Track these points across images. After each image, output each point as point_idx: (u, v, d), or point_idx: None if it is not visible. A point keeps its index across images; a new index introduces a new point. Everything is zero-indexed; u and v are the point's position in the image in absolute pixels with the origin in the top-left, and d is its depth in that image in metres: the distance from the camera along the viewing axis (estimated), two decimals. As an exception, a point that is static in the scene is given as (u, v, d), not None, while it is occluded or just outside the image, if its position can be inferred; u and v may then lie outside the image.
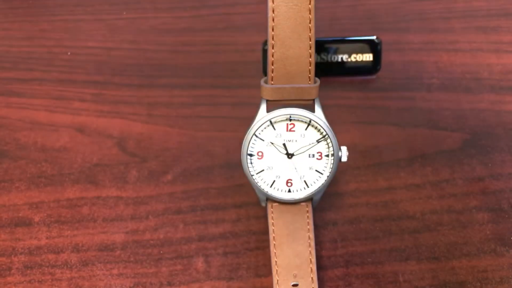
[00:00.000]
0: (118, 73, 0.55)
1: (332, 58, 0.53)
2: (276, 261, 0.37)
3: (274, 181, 0.39)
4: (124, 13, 0.62)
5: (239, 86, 0.53)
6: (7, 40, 0.59)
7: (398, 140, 0.48)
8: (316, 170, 0.38)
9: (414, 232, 0.41)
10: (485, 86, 0.52)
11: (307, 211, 0.39)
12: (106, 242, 0.41)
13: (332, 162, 0.38)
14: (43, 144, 0.48)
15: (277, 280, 0.37)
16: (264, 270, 0.39)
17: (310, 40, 0.36)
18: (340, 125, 0.49)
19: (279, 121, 0.37)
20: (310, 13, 0.36)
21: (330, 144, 0.38)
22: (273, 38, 0.36)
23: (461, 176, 0.45)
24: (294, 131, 0.38)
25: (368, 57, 0.53)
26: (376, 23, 0.60)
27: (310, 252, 0.38)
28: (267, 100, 0.37)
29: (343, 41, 0.52)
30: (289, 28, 0.36)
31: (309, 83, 0.37)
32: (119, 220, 0.42)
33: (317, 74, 0.52)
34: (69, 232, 0.42)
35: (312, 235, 0.38)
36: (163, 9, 0.63)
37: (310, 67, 0.36)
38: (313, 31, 0.36)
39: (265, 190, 0.39)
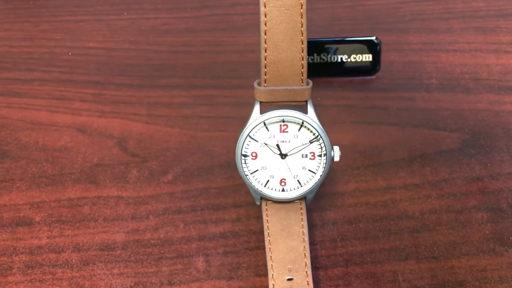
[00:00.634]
0: (118, 73, 0.55)
1: (332, 59, 0.53)
2: (271, 256, 0.38)
3: (268, 180, 0.39)
4: (125, 13, 0.62)
5: (239, 86, 0.53)
6: (8, 41, 0.59)
7: (397, 140, 0.48)
8: (309, 170, 0.39)
9: (413, 231, 0.42)
10: (484, 86, 0.53)
11: (301, 208, 0.40)
12: (106, 241, 0.41)
13: (324, 162, 0.39)
14: (44, 144, 0.48)
15: (272, 275, 0.37)
16: (264, 269, 0.39)
17: (302, 43, 0.37)
18: (339, 125, 0.49)
19: (272, 122, 0.38)
20: (302, 17, 0.36)
21: (322, 144, 0.38)
22: (265, 42, 0.37)
23: (460, 176, 0.45)
24: (287, 132, 0.38)
25: (368, 57, 0.53)
26: (376, 23, 0.60)
27: (304, 247, 0.38)
28: (260, 102, 0.38)
29: (342, 41, 0.53)
30: (281, 32, 0.36)
31: (301, 85, 0.37)
32: (119, 220, 0.43)
33: (317, 74, 0.53)
34: (70, 231, 0.42)
35: (306, 230, 0.39)
36: (163, 9, 0.63)
37: (302, 70, 0.37)
38: (305, 34, 0.36)
39: (259, 189, 0.39)
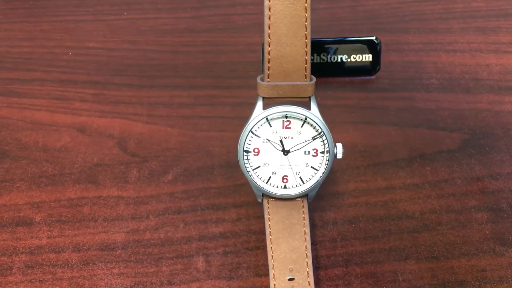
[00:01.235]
0: (118, 73, 0.55)
1: (332, 59, 0.53)
2: (272, 256, 0.38)
3: (270, 177, 0.39)
4: (125, 13, 0.63)
5: (239, 86, 0.53)
6: (8, 41, 0.59)
7: (397, 140, 0.48)
8: (311, 167, 0.39)
9: (413, 231, 0.42)
10: (484, 86, 0.53)
11: (303, 206, 0.40)
12: (106, 241, 0.41)
13: (327, 159, 0.39)
14: (44, 144, 0.48)
15: (273, 274, 0.37)
16: (264, 269, 0.39)
17: (306, 38, 0.37)
18: (339, 125, 0.49)
19: (275, 118, 0.38)
20: (306, 12, 0.36)
21: (325, 141, 0.38)
22: (269, 36, 0.37)
23: (460, 176, 0.45)
24: (290, 128, 0.38)
25: (368, 57, 0.53)
26: (376, 23, 0.60)
27: (306, 246, 0.38)
28: (263, 97, 0.38)
29: (342, 41, 0.53)
30: (285, 26, 0.36)
31: (305, 81, 0.37)
32: (119, 220, 0.43)
33: (317, 74, 0.53)
34: (70, 231, 0.42)
35: (307, 230, 0.39)
36: (163, 9, 0.63)
37: (306, 65, 0.37)
38: (309, 29, 0.36)
39: (261, 186, 0.39)
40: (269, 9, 0.36)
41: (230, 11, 0.62)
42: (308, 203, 0.40)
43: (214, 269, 0.40)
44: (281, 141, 0.38)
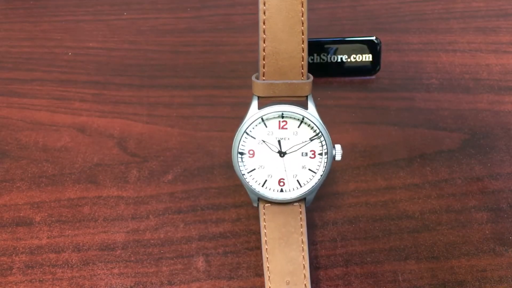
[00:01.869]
0: (118, 73, 0.55)
1: (332, 59, 0.53)
2: (268, 267, 0.37)
3: (266, 180, 0.38)
4: (125, 13, 0.63)
5: (239, 86, 0.53)
6: (8, 41, 0.59)
7: (397, 140, 0.48)
8: (309, 169, 0.38)
9: (413, 231, 0.42)
10: (484, 86, 0.53)
11: (300, 212, 0.38)
12: (107, 241, 0.41)
13: (325, 161, 0.37)
14: (44, 144, 0.48)
15: (269, 287, 0.36)
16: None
17: (302, 34, 0.35)
18: (339, 125, 0.49)
19: (271, 118, 0.37)
20: (302, 6, 0.35)
21: (323, 142, 0.37)
22: (264, 32, 0.35)
23: (460, 176, 0.45)
24: (286, 128, 0.37)
25: (368, 57, 0.53)
26: (376, 23, 0.60)
27: (304, 257, 0.37)
28: (258, 97, 0.36)
29: (342, 41, 0.53)
30: (281, 22, 0.35)
31: (302, 79, 0.36)
32: (119, 220, 0.43)
33: (317, 74, 0.53)
34: (70, 231, 0.42)
35: (305, 238, 0.37)
36: (163, 9, 0.63)
37: (302, 62, 0.36)
38: (305, 24, 0.35)
39: (257, 189, 0.38)
40: (264, 4, 0.35)
41: (230, 11, 0.62)
42: (306, 207, 0.39)
43: (214, 269, 0.40)
44: (279, 141, 0.37)
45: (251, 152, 0.37)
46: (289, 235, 0.38)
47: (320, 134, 0.37)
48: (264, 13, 0.35)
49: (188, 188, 0.45)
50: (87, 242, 0.41)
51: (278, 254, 0.37)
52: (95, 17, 0.62)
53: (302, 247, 0.37)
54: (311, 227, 0.42)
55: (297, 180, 0.38)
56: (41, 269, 0.40)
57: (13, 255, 0.40)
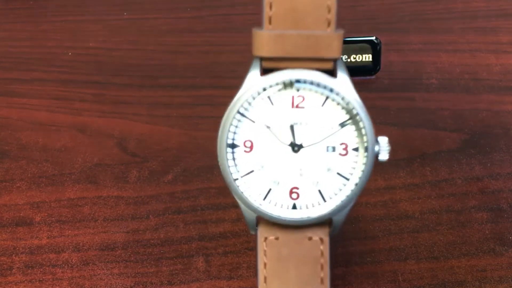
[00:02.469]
0: (118, 73, 0.55)
1: (332, 59, 0.53)
2: None
3: (270, 189, 0.25)
4: (125, 13, 0.63)
5: (239, 86, 0.53)
6: (8, 41, 0.59)
7: (397, 140, 0.48)
8: (338, 173, 0.26)
9: (413, 231, 0.42)
10: (484, 86, 0.53)
11: (322, 252, 0.24)
12: (107, 241, 0.41)
13: (365, 161, 0.26)
14: (44, 144, 0.48)
15: None
16: (264, 269, 0.39)
17: None
18: (339, 125, 0.49)
19: (279, 90, 0.24)
20: None
21: (363, 131, 0.25)
22: None
23: (460, 176, 0.45)
24: (303, 107, 0.24)
25: (368, 57, 0.53)
26: (376, 23, 0.60)
27: None
28: (261, 58, 0.24)
29: (342, 41, 0.52)
30: None
31: (327, 29, 0.24)
32: (119, 220, 0.43)
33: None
34: (70, 231, 0.42)
35: None
36: (163, 9, 0.63)
37: (329, 2, 0.23)
38: None
39: (255, 204, 0.25)
40: None
41: (230, 11, 0.62)
42: (331, 237, 0.25)
43: (214, 269, 0.40)
44: (291, 128, 0.24)
45: (248, 144, 0.26)
46: None
47: (358, 117, 0.25)
48: None
49: (188, 188, 0.45)
50: (87, 242, 0.41)
51: None
52: (95, 17, 0.62)
53: None
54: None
55: (319, 190, 0.26)
56: (41, 269, 0.40)
57: (13, 255, 0.40)
